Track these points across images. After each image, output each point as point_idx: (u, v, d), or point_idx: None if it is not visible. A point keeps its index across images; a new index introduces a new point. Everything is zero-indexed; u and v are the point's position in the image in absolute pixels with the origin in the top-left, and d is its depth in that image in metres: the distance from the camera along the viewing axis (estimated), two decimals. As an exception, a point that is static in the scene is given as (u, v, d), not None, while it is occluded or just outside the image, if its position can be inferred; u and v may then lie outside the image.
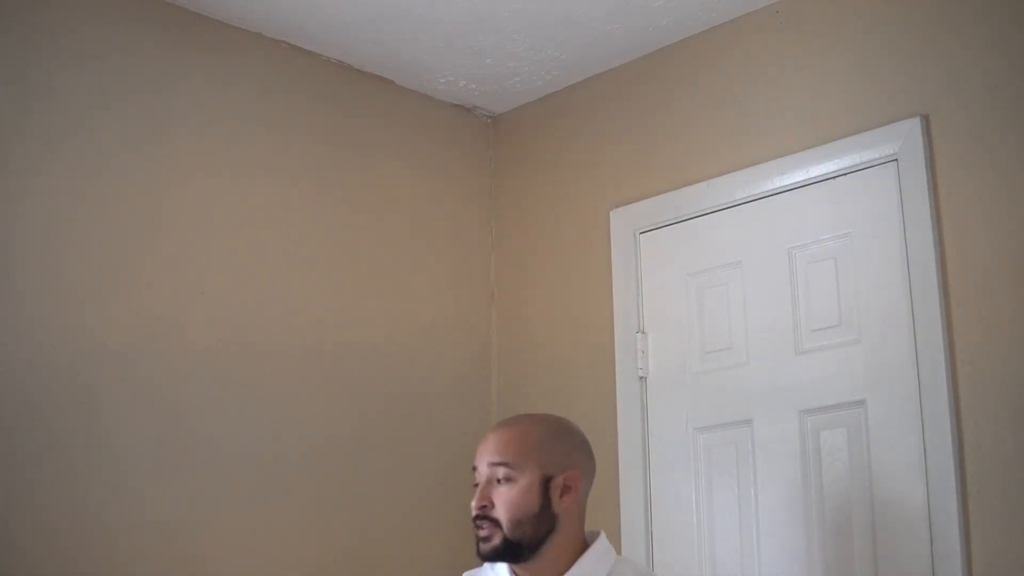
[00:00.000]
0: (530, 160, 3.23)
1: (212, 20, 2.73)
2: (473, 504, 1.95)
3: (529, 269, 3.16)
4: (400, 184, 3.08)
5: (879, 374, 2.37)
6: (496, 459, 1.95)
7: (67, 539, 2.28)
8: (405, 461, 2.91)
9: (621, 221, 2.93)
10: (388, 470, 2.87)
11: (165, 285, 2.54)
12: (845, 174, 2.50)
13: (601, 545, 1.98)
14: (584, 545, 1.97)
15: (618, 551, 2.31)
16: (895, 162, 2.42)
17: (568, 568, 1.94)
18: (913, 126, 2.39)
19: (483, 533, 1.94)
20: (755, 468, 2.55)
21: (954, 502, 2.20)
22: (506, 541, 1.92)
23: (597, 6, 2.72)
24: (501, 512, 1.93)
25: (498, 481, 1.95)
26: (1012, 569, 2.13)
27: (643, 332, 2.83)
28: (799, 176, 2.57)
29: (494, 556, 1.94)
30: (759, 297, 2.62)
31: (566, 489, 1.95)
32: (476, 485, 1.98)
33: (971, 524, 2.19)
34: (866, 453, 2.37)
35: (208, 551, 2.49)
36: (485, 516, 1.94)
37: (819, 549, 2.40)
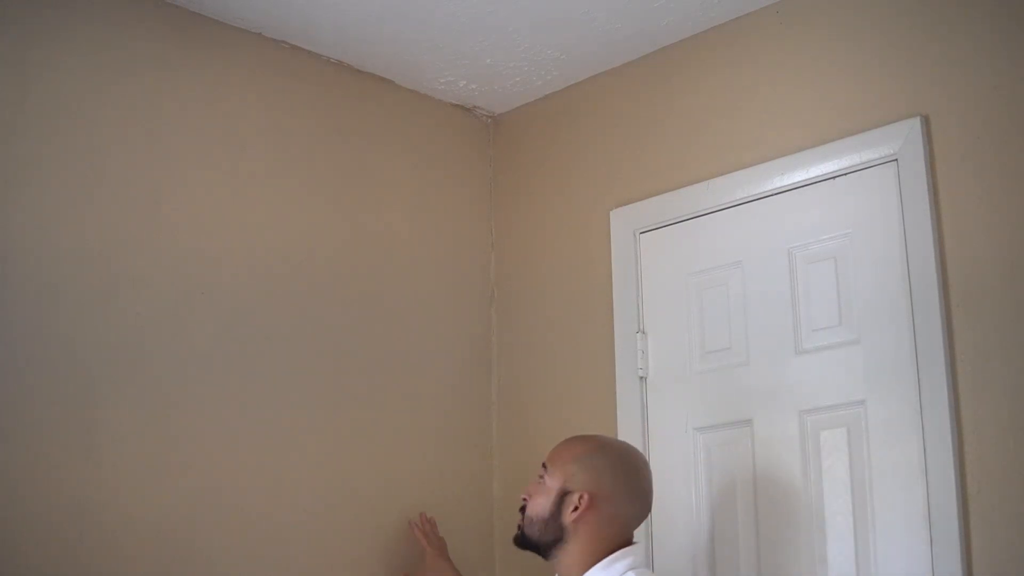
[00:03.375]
0: (530, 160, 3.23)
1: (212, 20, 2.73)
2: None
3: (529, 269, 3.16)
4: (400, 184, 3.07)
5: (879, 374, 2.37)
6: (544, 461, 2.20)
7: (65, 537, 2.28)
8: (406, 461, 2.91)
9: (621, 221, 2.93)
10: (389, 470, 2.87)
11: (165, 285, 2.54)
12: (845, 174, 2.50)
13: (606, 561, 2.09)
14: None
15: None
16: (895, 162, 2.42)
17: None
18: (913, 126, 2.39)
19: (519, 521, 2.18)
20: (755, 468, 2.55)
21: (954, 502, 2.20)
22: (521, 533, 2.16)
23: (597, 6, 2.72)
24: (528, 507, 2.16)
25: (539, 480, 2.17)
26: (1012, 569, 2.13)
27: (643, 332, 2.83)
28: (799, 176, 2.57)
29: (517, 544, 2.20)
30: (759, 297, 2.62)
31: (577, 507, 2.10)
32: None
33: (971, 524, 2.19)
34: (866, 453, 2.37)
35: (209, 549, 2.49)
36: (521, 507, 2.19)
37: (819, 549, 2.40)
